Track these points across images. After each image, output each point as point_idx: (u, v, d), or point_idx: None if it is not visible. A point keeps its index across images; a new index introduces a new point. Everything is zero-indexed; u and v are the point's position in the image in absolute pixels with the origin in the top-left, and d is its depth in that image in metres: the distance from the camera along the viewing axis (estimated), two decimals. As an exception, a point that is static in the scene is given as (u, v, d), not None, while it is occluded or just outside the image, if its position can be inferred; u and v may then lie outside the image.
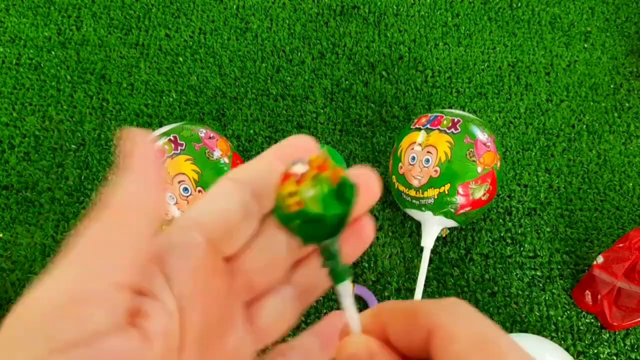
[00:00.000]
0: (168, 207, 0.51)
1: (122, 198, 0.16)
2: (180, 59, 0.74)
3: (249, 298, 0.20)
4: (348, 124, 0.69)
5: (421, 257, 0.59)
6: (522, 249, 0.62)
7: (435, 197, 0.54)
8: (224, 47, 0.75)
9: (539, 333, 0.57)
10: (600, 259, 0.57)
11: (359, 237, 0.20)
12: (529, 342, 0.49)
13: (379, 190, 0.19)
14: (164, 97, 0.71)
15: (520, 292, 0.59)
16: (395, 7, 0.79)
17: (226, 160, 0.54)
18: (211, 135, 0.54)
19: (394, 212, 0.64)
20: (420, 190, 0.55)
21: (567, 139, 0.69)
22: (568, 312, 0.58)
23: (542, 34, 0.77)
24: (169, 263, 0.17)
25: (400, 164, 0.57)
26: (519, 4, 0.79)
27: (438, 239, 0.62)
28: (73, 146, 0.67)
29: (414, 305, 0.17)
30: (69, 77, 0.72)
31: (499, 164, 0.56)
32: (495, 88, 0.73)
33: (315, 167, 0.16)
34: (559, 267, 0.61)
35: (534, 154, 0.68)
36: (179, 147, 0.51)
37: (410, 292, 0.59)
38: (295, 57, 0.74)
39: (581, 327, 0.57)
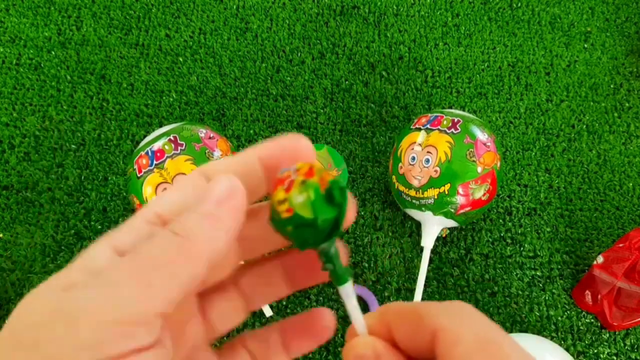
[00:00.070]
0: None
1: (196, 230, 0.16)
2: (180, 59, 0.74)
3: (201, 290, 0.20)
4: (348, 124, 0.69)
5: (421, 257, 0.59)
6: (522, 249, 0.62)
7: (435, 197, 0.54)
8: (224, 47, 0.75)
9: (539, 333, 0.57)
10: (600, 259, 0.57)
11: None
12: (529, 342, 0.49)
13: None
14: (164, 97, 0.71)
15: (520, 292, 0.59)
16: (395, 7, 0.79)
17: (230, 158, 0.54)
18: (211, 135, 0.54)
19: (394, 212, 0.64)
20: (420, 190, 0.55)
21: (567, 139, 0.69)
22: (568, 312, 0.58)
23: (542, 34, 0.77)
24: None
25: (400, 164, 0.57)
26: (519, 4, 0.79)
27: (438, 239, 0.62)
28: (73, 146, 0.67)
29: (418, 308, 0.18)
30: (69, 77, 0.72)
31: (499, 164, 0.56)
32: (495, 88, 0.73)
33: (302, 174, 0.17)
34: (559, 267, 0.61)
35: (534, 154, 0.68)
36: (179, 147, 0.51)
37: (410, 292, 0.59)
38: (295, 57, 0.74)
39: (581, 327, 0.58)
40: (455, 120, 0.55)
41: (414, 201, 0.56)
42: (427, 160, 0.54)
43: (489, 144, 0.55)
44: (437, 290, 0.59)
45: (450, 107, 0.71)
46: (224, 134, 0.69)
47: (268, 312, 0.57)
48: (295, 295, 0.59)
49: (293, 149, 0.19)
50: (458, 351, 0.16)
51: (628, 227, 0.64)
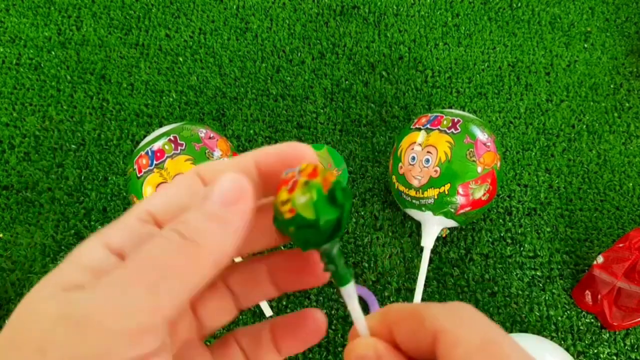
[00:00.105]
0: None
1: (205, 233, 0.16)
2: (180, 59, 0.74)
3: None
4: (348, 124, 0.69)
5: (421, 257, 0.59)
6: (522, 249, 0.62)
7: (435, 197, 0.54)
8: (224, 47, 0.75)
9: (539, 333, 0.57)
10: (600, 259, 0.57)
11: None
12: (529, 342, 0.49)
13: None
14: (164, 97, 0.71)
15: (520, 292, 0.59)
16: (395, 7, 0.79)
17: (226, 160, 0.54)
18: (211, 135, 0.54)
19: (394, 212, 0.64)
20: (420, 190, 0.55)
21: (567, 139, 0.69)
22: (568, 312, 0.58)
23: (542, 34, 0.77)
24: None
25: (400, 164, 0.57)
26: (519, 4, 0.79)
27: (438, 239, 0.62)
28: (73, 146, 0.67)
29: (419, 309, 0.18)
30: (69, 77, 0.72)
31: (499, 164, 0.56)
32: (495, 88, 0.73)
33: (306, 174, 0.17)
34: (559, 267, 0.61)
35: (534, 154, 0.68)
36: (179, 147, 0.51)
37: (410, 292, 0.59)
38: (295, 57, 0.74)
39: (581, 327, 0.58)
40: (455, 120, 0.55)
41: (414, 201, 0.56)
42: (427, 160, 0.54)
43: (489, 144, 0.55)
44: (437, 290, 0.59)
45: (450, 107, 0.71)
46: (224, 134, 0.69)
47: (268, 311, 0.57)
48: (295, 295, 0.59)
49: (294, 158, 0.19)
50: (458, 352, 0.16)
51: (628, 227, 0.64)
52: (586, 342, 0.57)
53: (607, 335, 0.57)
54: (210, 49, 0.75)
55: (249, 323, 0.57)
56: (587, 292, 0.57)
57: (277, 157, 0.19)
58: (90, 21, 0.77)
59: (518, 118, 0.70)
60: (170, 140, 0.52)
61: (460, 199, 0.54)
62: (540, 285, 0.60)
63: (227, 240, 0.16)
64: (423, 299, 0.59)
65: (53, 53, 0.74)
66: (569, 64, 0.75)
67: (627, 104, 0.72)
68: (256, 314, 0.58)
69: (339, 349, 0.56)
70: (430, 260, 0.60)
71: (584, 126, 0.70)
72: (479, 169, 0.54)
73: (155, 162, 0.51)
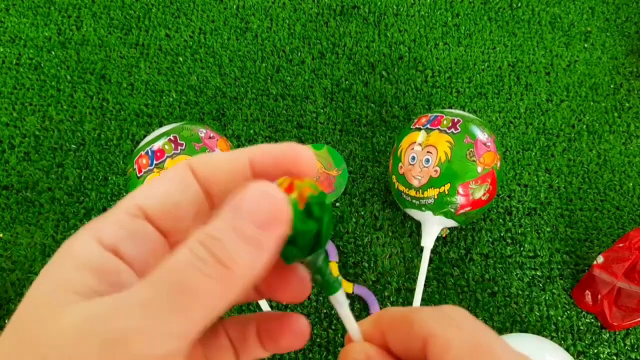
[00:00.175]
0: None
1: (239, 259, 0.15)
2: (180, 59, 0.74)
3: None
4: (348, 124, 0.69)
5: (421, 257, 0.59)
6: (522, 249, 0.62)
7: (435, 197, 0.54)
8: (224, 47, 0.75)
9: (539, 333, 0.57)
10: (600, 259, 0.57)
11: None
12: (529, 342, 0.49)
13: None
14: (164, 97, 0.71)
15: (520, 292, 0.59)
16: (395, 7, 0.79)
17: (220, 154, 0.54)
18: (211, 135, 0.54)
19: (394, 212, 0.64)
20: (420, 190, 0.55)
21: (567, 139, 0.69)
22: (568, 312, 0.58)
23: (542, 34, 0.77)
24: (128, 253, 0.17)
25: (400, 164, 0.57)
26: (519, 4, 0.79)
27: (438, 239, 0.62)
28: (73, 146, 0.67)
29: (409, 314, 0.18)
30: (69, 77, 0.72)
31: (499, 164, 0.56)
32: (495, 88, 0.73)
33: (282, 190, 0.17)
34: (559, 267, 0.61)
35: (534, 154, 0.68)
36: (179, 147, 0.51)
37: (410, 292, 0.59)
38: (295, 57, 0.74)
39: (581, 327, 0.58)
40: (455, 120, 0.55)
41: (414, 201, 0.56)
42: (427, 160, 0.54)
43: (489, 143, 0.55)
44: (437, 290, 0.59)
45: (450, 107, 0.71)
46: (224, 134, 0.69)
47: (265, 307, 0.57)
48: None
49: (291, 161, 0.18)
50: (449, 356, 0.16)
51: (628, 227, 0.64)
52: (586, 342, 0.57)
53: (607, 335, 0.57)
54: (210, 49, 0.75)
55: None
56: (587, 292, 0.57)
57: (274, 159, 0.18)
58: (90, 21, 0.77)
59: (518, 118, 0.70)
60: (170, 140, 0.52)
61: (460, 199, 0.54)
62: (540, 285, 0.60)
63: (259, 265, 0.15)
64: (423, 299, 0.59)
65: (53, 53, 0.74)
66: (569, 64, 0.75)
67: (627, 104, 0.72)
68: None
69: (339, 349, 0.56)
70: (430, 260, 0.60)
71: (584, 126, 0.70)
72: (479, 169, 0.54)
73: (155, 162, 0.51)
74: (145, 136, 0.66)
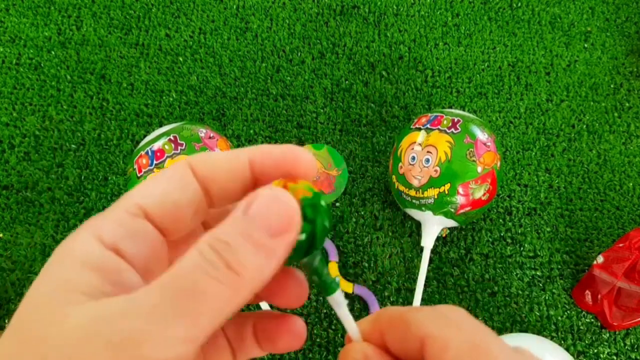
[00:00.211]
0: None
1: (250, 266, 0.15)
2: (180, 59, 0.74)
3: None
4: (348, 124, 0.69)
5: (421, 257, 0.59)
6: (522, 248, 0.62)
7: (435, 197, 0.54)
8: (224, 47, 0.75)
9: (539, 333, 0.57)
10: (600, 259, 0.57)
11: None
12: (529, 342, 0.49)
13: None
14: (164, 97, 0.71)
15: (520, 292, 0.59)
16: (395, 7, 0.79)
17: (220, 153, 0.54)
18: (211, 135, 0.54)
19: (394, 212, 0.64)
20: (420, 190, 0.55)
21: (567, 139, 0.69)
22: (568, 312, 0.58)
23: (542, 34, 0.77)
24: (129, 252, 0.17)
25: (400, 164, 0.57)
26: (519, 4, 0.79)
27: (438, 239, 0.62)
28: (73, 146, 0.67)
29: (407, 314, 0.18)
30: (69, 77, 0.72)
31: (499, 164, 0.56)
32: (495, 88, 0.73)
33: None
34: (559, 267, 0.61)
35: (534, 154, 0.68)
36: (179, 147, 0.51)
37: (410, 292, 0.59)
38: (295, 57, 0.74)
39: (581, 327, 0.57)
40: (455, 120, 0.55)
41: (414, 201, 0.56)
42: (427, 160, 0.54)
43: (489, 143, 0.55)
44: (437, 290, 0.59)
45: (450, 107, 0.71)
46: (224, 134, 0.69)
47: (265, 306, 0.57)
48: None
49: (290, 163, 0.18)
50: (447, 357, 0.16)
51: (628, 227, 0.64)
52: (586, 342, 0.57)
53: (607, 335, 0.57)
54: (210, 49, 0.75)
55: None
56: (587, 292, 0.57)
57: (273, 161, 0.18)
58: (90, 21, 0.77)
59: (518, 118, 0.70)
60: (170, 140, 0.52)
61: (460, 199, 0.54)
62: (540, 285, 0.60)
63: (268, 271, 0.15)
64: (423, 299, 0.59)
65: (53, 53, 0.74)
66: (569, 63, 0.75)
67: (627, 104, 0.72)
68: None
69: (339, 349, 0.56)
70: (430, 260, 0.60)
71: (584, 126, 0.70)
72: (479, 169, 0.54)
73: (155, 162, 0.51)
74: (145, 136, 0.66)
